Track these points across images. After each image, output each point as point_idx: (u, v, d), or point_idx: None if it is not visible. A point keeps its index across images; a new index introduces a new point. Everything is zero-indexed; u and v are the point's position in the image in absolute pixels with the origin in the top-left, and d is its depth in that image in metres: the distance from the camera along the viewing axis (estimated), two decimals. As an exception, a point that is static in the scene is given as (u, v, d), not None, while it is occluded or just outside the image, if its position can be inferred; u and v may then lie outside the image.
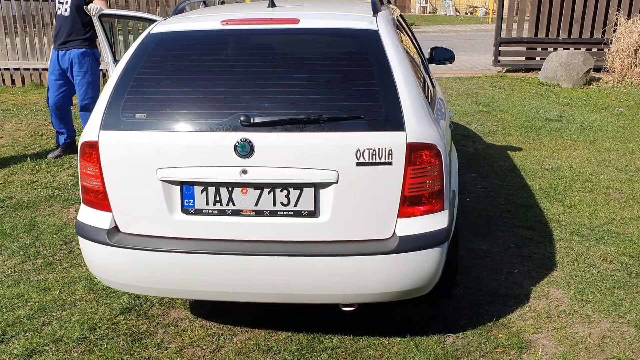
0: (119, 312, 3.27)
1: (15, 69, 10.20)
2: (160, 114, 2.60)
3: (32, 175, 5.54)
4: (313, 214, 2.55)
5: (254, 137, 2.48)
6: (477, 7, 28.87)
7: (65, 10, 5.40)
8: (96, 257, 2.72)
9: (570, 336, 3.03)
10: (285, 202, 2.55)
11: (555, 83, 9.64)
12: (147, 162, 2.56)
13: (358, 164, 2.47)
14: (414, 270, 2.57)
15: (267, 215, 2.57)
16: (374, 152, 2.46)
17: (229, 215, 2.59)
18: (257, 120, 2.47)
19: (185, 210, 2.60)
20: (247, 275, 2.57)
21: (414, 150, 2.48)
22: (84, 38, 5.47)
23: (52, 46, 5.71)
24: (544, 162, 5.80)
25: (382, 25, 2.76)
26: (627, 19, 9.89)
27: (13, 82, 10.25)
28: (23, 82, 10.20)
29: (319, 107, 2.54)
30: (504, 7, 10.90)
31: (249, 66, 2.71)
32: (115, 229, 2.68)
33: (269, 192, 2.55)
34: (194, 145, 2.54)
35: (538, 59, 10.86)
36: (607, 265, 3.76)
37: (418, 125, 2.50)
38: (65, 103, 5.70)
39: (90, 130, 2.64)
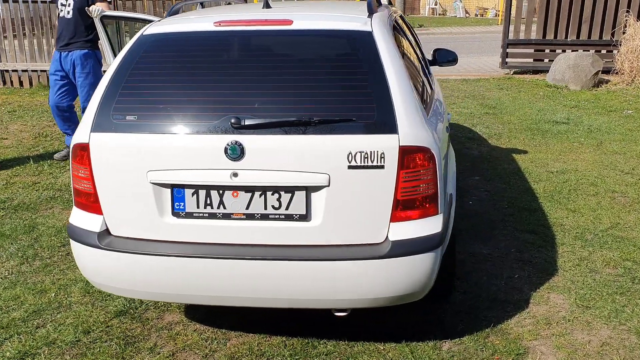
0: (114, 315, 3.25)
1: (23, 71, 10.24)
2: (151, 115, 2.58)
3: (35, 176, 5.55)
4: (305, 217, 2.52)
5: (245, 139, 2.45)
6: (487, 9, 28.74)
7: (68, 12, 5.41)
8: (87, 259, 2.70)
9: (569, 343, 2.97)
10: (277, 205, 2.52)
11: (563, 85, 9.55)
12: (138, 164, 2.54)
13: (350, 167, 2.44)
14: (407, 275, 2.52)
15: (258, 219, 2.54)
16: (366, 156, 2.42)
17: (219, 218, 2.56)
18: (247, 122, 2.44)
19: (176, 213, 2.58)
20: (238, 280, 2.54)
21: (406, 154, 2.44)
22: (86, 40, 5.47)
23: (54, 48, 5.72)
24: (549, 165, 5.73)
25: (377, 26, 2.72)
26: (637, 20, 9.79)
27: (21, 83, 10.30)
28: (31, 84, 10.24)
29: (311, 110, 2.50)
30: (512, 8, 10.81)
31: (241, 68, 2.68)
32: (106, 231, 2.66)
33: (260, 196, 2.52)
34: (184, 148, 2.51)
35: (546, 60, 10.76)
36: (610, 270, 3.70)
37: (411, 128, 2.46)
38: (65, 104, 5.71)
39: (82, 133, 2.63)
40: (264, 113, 2.51)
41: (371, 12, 2.88)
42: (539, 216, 4.52)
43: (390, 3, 4.77)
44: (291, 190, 2.50)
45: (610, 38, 10.33)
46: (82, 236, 2.67)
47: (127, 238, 2.63)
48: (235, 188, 2.52)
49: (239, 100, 2.57)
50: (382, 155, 2.42)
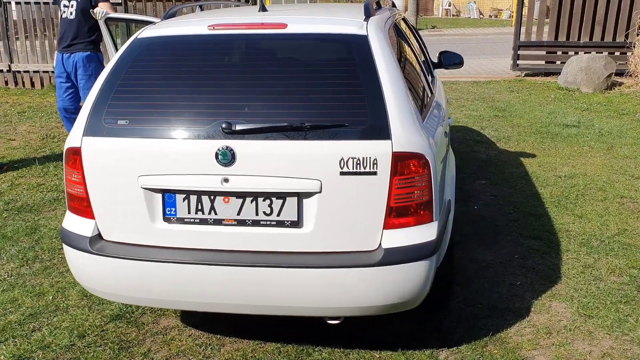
0: (110, 319, 3.24)
1: (34, 72, 10.32)
2: (143, 120, 2.56)
3: (40, 178, 5.57)
4: (296, 224, 2.48)
5: (236, 144, 2.42)
6: (502, 10, 28.50)
7: (71, 13, 5.41)
8: (78, 264, 2.68)
9: (569, 353, 2.91)
10: (268, 211, 2.49)
11: (575, 88, 9.42)
12: (129, 169, 2.52)
13: (342, 173, 2.40)
14: (400, 283, 2.48)
15: (249, 225, 2.51)
16: (358, 162, 2.38)
17: (211, 224, 2.53)
18: (238, 127, 2.41)
19: (167, 218, 2.56)
20: (229, 287, 2.51)
21: (400, 160, 2.40)
22: (89, 41, 5.47)
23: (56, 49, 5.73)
24: (558, 169, 5.65)
25: (372, 30, 2.68)
26: (651, 22, 9.64)
27: (32, 84, 10.38)
28: (42, 85, 10.31)
29: (304, 115, 2.47)
30: (523, 9, 10.69)
31: (234, 72, 2.65)
32: (98, 236, 2.65)
33: (252, 202, 2.49)
34: (175, 153, 2.49)
35: (558, 62, 10.62)
36: (615, 278, 3.62)
37: (405, 134, 2.41)
38: (72, 106, 5.72)
39: (74, 137, 2.61)
40: (256, 118, 2.48)
41: (368, 15, 2.84)
42: (545, 222, 4.45)
43: (393, 5, 4.72)
44: (283, 196, 2.46)
45: (624, 40, 10.18)
46: (74, 241, 2.65)
47: (119, 243, 2.62)
48: (226, 194, 2.49)
49: (231, 105, 2.54)
50: (375, 162, 2.38)
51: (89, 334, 3.11)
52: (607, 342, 3.00)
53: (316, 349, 2.95)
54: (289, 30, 2.67)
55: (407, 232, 2.47)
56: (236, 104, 2.53)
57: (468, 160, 6.02)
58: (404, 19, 4.22)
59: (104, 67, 5.84)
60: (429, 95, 3.33)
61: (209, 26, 2.73)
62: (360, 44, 2.59)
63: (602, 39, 10.40)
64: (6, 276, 3.74)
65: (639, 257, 3.87)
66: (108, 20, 4.86)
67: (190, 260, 2.51)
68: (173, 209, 2.54)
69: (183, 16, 3.36)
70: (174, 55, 2.72)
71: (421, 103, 2.89)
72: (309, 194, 2.44)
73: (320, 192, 2.43)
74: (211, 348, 2.99)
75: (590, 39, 10.45)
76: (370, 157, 2.38)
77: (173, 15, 3.19)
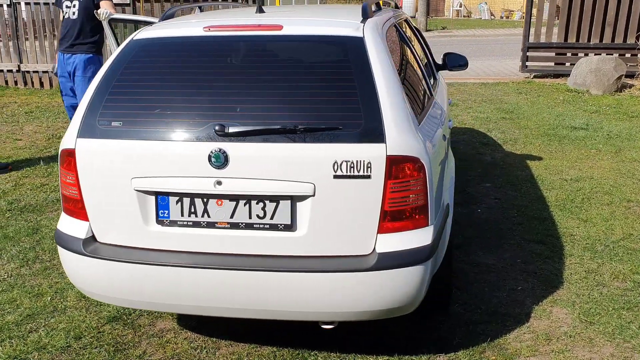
0: (107, 321, 3.23)
1: (43, 72, 10.38)
2: (137, 122, 2.55)
3: (44, 178, 5.59)
4: (290, 227, 2.46)
5: (229, 147, 2.40)
6: (513, 11, 28.33)
7: (74, 13, 5.40)
8: (72, 266, 2.68)
9: (568, 360, 2.86)
10: (261, 214, 2.47)
11: (585, 90, 9.33)
12: (123, 171, 2.51)
13: (335, 176, 2.37)
14: (395, 288, 2.45)
15: (242, 228, 2.49)
16: (352, 165, 2.36)
17: (204, 227, 2.51)
18: (231, 130, 2.39)
19: (160, 221, 2.54)
20: (221, 290, 2.49)
21: (394, 163, 2.37)
22: (91, 42, 5.45)
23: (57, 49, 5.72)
24: (564, 173, 5.58)
25: (369, 32, 2.64)
26: (663, 24, 9.52)
27: (42, 84, 10.44)
28: (51, 85, 10.36)
29: (298, 117, 2.44)
30: (533, 10, 10.61)
31: (228, 74, 2.63)
32: (92, 238, 2.64)
33: (245, 204, 2.47)
34: (168, 155, 2.47)
35: (567, 64, 10.53)
36: (618, 284, 3.56)
37: (400, 137, 2.38)
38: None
39: (68, 138, 2.61)
40: (250, 120, 2.45)
41: (365, 17, 2.81)
42: (549, 226, 4.39)
43: (396, 6, 4.69)
44: (276, 199, 2.44)
45: (635, 41, 10.07)
46: (68, 242, 2.65)
47: (113, 245, 2.60)
48: (219, 196, 2.47)
49: (225, 107, 2.52)
50: (369, 165, 2.35)
51: (85, 335, 3.11)
52: (608, 349, 2.95)
53: (312, 353, 2.93)
54: (285, 32, 2.65)
55: (401, 236, 2.44)
56: (230, 106, 2.51)
57: (473, 162, 5.97)
58: (406, 21, 4.18)
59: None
60: (428, 97, 3.29)
61: (204, 27, 2.71)
62: (355, 46, 2.56)
63: (613, 40, 10.30)
64: (6, 276, 3.74)
65: (644, 262, 3.81)
66: (111, 21, 4.86)
67: (183, 263, 2.49)
68: (166, 212, 2.53)
69: (180, 17, 3.34)
70: (169, 57, 2.71)
71: (418, 106, 2.86)
72: (302, 197, 2.42)
73: (313, 195, 2.40)
74: (206, 351, 2.97)
75: (601, 40, 10.34)
76: (364, 161, 2.35)
77: (171, 17, 3.17)
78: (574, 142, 6.62)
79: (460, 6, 29.92)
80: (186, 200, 2.50)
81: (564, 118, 7.71)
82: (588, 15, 10.30)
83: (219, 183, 2.44)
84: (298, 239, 2.45)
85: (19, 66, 10.38)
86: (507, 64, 12.70)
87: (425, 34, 20.09)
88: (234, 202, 2.47)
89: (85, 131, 2.57)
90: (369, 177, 2.36)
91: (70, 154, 2.59)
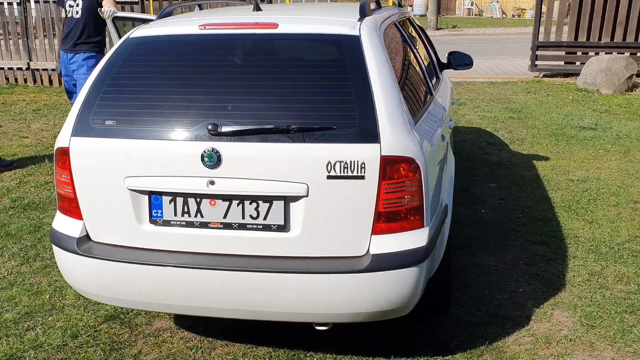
0: (103, 320, 3.23)
1: (53, 70, 10.43)
2: (130, 120, 2.54)
3: (48, 176, 5.60)
4: (283, 228, 2.43)
5: (222, 147, 2.38)
6: (525, 10, 28.11)
7: (77, 12, 5.40)
8: (67, 265, 2.67)
9: (567, 365, 2.82)
10: (255, 215, 2.44)
11: (595, 89, 9.23)
12: (116, 170, 2.50)
13: (329, 177, 2.34)
14: (389, 290, 2.41)
15: (235, 228, 2.47)
16: (346, 165, 2.33)
17: (197, 227, 2.50)
18: (224, 129, 2.37)
19: (153, 220, 2.53)
20: (214, 290, 2.47)
21: (389, 164, 2.34)
22: (94, 42, 5.45)
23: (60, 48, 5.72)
24: (571, 173, 5.52)
25: (365, 30, 2.61)
26: (675, 22, 9.39)
27: (51, 82, 10.50)
28: (60, 83, 10.40)
29: (292, 117, 2.42)
30: (542, 9, 10.50)
31: (222, 72, 2.61)
32: (86, 237, 2.63)
33: (238, 205, 2.45)
34: (162, 154, 2.45)
35: (578, 63, 10.42)
36: (622, 287, 3.51)
37: (394, 137, 2.35)
38: None
39: (63, 136, 2.60)
40: (243, 120, 2.43)
41: (363, 15, 2.77)
42: (553, 227, 4.34)
43: (400, 4, 4.65)
44: (269, 199, 2.42)
45: (647, 41, 9.95)
46: (62, 241, 2.64)
47: (106, 244, 2.59)
48: (212, 196, 2.45)
49: (219, 106, 2.50)
50: (363, 166, 2.32)
51: (82, 334, 3.10)
52: (609, 353, 2.90)
53: (307, 354, 2.91)
54: (280, 30, 2.62)
55: (396, 237, 2.41)
56: (224, 105, 2.49)
57: (479, 162, 5.92)
58: (409, 19, 4.14)
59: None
60: (428, 97, 3.25)
61: (200, 26, 2.69)
62: (351, 44, 2.53)
63: (624, 39, 10.17)
64: (6, 274, 3.75)
65: (649, 265, 3.75)
66: (115, 19, 4.86)
67: (176, 263, 2.48)
68: (159, 211, 2.51)
69: (177, 15, 3.33)
70: (163, 56, 2.69)
71: (416, 105, 2.82)
72: (295, 198, 2.39)
73: (307, 196, 2.37)
74: (202, 351, 2.96)
75: (612, 39, 10.22)
76: (358, 161, 2.32)
77: (169, 14, 3.16)
78: (582, 142, 6.54)
79: (472, 4, 29.74)
80: (179, 200, 2.48)
81: (572, 118, 7.62)
82: (599, 14, 10.18)
83: (212, 183, 2.42)
84: (291, 239, 2.43)
85: (28, 64, 10.44)
86: (517, 63, 12.59)
87: (435, 33, 19.99)
88: (227, 202, 2.45)
89: (80, 130, 2.56)
90: (362, 177, 2.33)
91: (64, 152, 2.58)
